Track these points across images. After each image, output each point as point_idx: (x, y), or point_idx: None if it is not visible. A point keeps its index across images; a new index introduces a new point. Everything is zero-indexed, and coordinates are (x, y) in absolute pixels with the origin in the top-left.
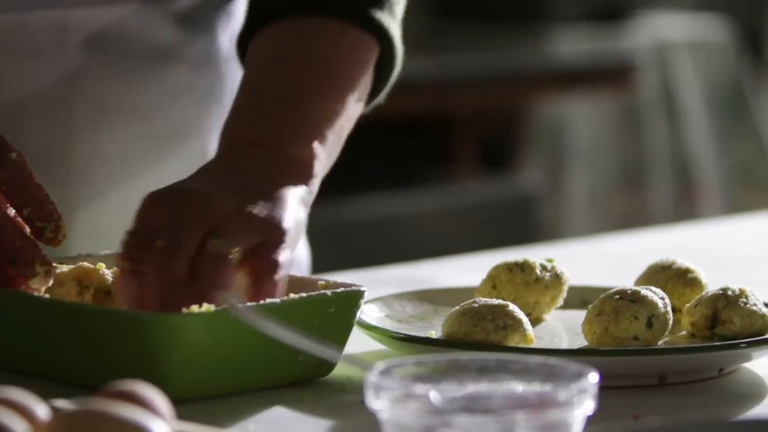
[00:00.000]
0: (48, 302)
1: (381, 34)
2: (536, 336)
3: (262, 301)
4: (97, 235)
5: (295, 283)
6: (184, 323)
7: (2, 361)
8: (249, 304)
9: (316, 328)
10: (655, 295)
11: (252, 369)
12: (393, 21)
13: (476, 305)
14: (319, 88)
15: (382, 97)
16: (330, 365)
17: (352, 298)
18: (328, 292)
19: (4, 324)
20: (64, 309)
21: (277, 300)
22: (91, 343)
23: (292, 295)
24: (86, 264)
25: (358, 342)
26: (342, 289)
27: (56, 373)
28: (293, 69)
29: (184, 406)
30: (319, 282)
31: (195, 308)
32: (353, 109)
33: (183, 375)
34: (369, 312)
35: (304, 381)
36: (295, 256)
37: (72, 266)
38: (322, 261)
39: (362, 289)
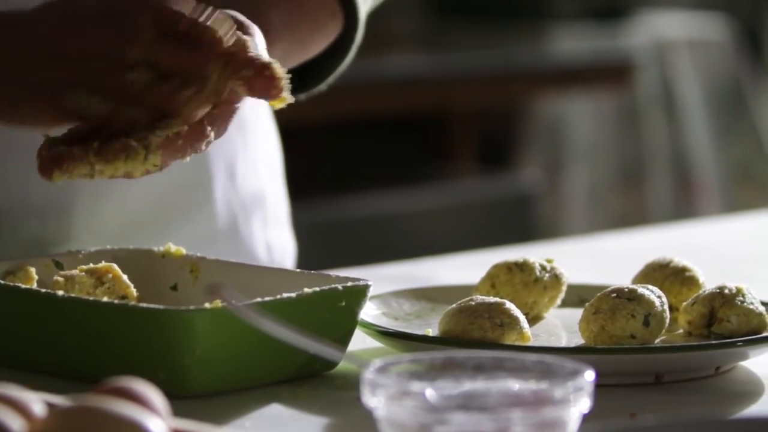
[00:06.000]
0: (69, 300)
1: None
2: (533, 334)
3: (278, 297)
4: (98, 228)
5: (304, 278)
6: (206, 317)
7: (8, 357)
8: (260, 300)
9: (327, 322)
10: (652, 293)
11: (272, 361)
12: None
13: (473, 303)
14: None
15: (323, 85)
16: (337, 358)
17: (360, 291)
18: (339, 286)
19: (17, 320)
20: (83, 305)
21: (293, 294)
22: (110, 339)
23: (306, 290)
24: (111, 264)
25: (355, 339)
26: (351, 283)
27: (70, 370)
28: None
29: (180, 402)
30: (325, 276)
31: (217, 303)
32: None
33: (206, 368)
34: (366, 309)
35: (302, 378)
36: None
37: (93, 265)
38: (320, 258)
39: (369, 282)
